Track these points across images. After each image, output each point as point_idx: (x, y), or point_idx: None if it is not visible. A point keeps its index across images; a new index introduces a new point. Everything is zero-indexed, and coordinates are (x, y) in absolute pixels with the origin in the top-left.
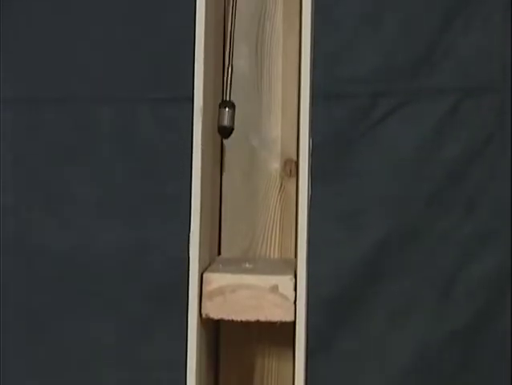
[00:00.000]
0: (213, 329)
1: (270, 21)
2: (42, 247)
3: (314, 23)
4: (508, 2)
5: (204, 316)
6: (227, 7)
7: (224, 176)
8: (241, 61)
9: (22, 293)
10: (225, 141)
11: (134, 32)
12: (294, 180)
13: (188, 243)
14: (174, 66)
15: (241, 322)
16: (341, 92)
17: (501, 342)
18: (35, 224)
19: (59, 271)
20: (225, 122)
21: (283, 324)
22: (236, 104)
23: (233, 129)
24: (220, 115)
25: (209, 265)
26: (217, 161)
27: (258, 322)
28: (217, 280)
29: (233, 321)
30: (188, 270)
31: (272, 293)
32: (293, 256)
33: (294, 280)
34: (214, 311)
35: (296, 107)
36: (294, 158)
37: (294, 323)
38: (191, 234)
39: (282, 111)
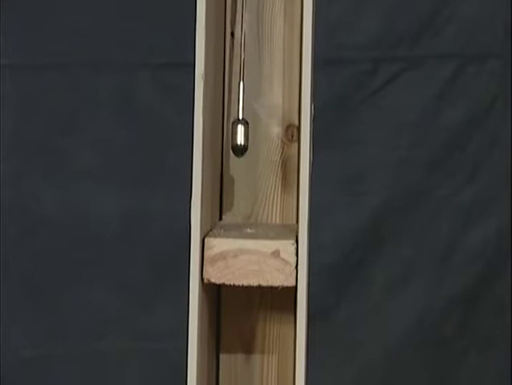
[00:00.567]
0: (215, 294)
1: None
2: (41, 215)
3: None
4: None
5: (205, 281)
6: None
7: (225, 142)
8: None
9: (22, 261)
10: (226, 105)
11: None
12: (295, 145)
13: (190, 209)
14: (175, 31)
15: (243, 287)
16: (342, 58)
17: (501, 307)
18: (35, 192)
19: (59, 239)
20: (239, 140)
21: (285, 289)
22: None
23: (246, 148)
24: (233, 133)
25: (211, 230)
26: (219, 127)
27: (259, 287)
28: (218, 245)
29: (234, 286)
30: (190, 236)
31: (273, 258)
32: (294, 221)
33: (295, 245)
34: (216, 276)
35: (298, 73)
36: (296, 123)
37: (295, 288)
38: (192, 199)
39: (283, 77)
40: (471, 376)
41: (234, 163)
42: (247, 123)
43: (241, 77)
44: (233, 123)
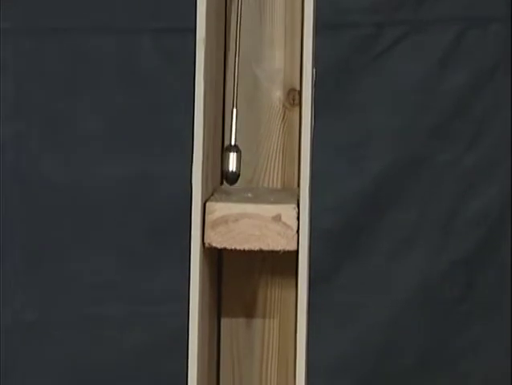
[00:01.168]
0: (216, 259)
1: None
2: (42, 180)
3: None
4: None
5: (207, 245)
6: None
7: (226, 106)
8: None
9: (22, 225)
10: (227, 72)
11: None
12: (297, 109)
13: (191, 173)
14: None
15: (244, 251)
16: (345, 22)
17: (502, 272)
18: (36, 157)
19: (60, 203)
20: (231, 167)
21: (286, 253)
22: (239, 35)
23: (239, 175)
24: (224, 160)
25: (212, 194)
26: (220, 91)
27: (260, 251)
28: (220, 209)
29: (235, 250)
30: (191, 201)
31: (275, 223)
32: (296, 186)
33: (297, 209)
34: (217, 240)
35: (299, 38)
36: (298, 88)
37: (296, 252)
38: (193, 164)
39: (285, 42)
40: (473, 340)
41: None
42: (239, 150)
43: (234, 103)
44: (225, 149)
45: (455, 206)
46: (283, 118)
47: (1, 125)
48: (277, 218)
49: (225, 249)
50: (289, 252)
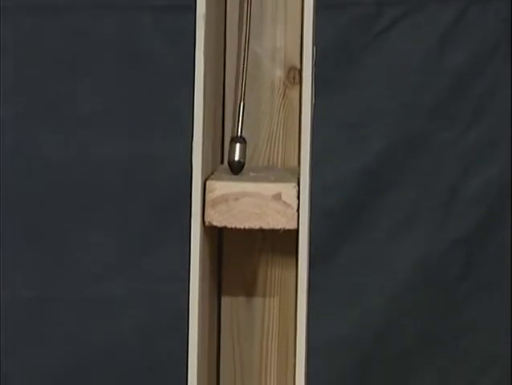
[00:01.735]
0: (216, 237)
1: None
2: (42, 160)
3: None
4: None
5: (207, 224)
6: None
7: (226, 85)
8: None
9: (22, 205)
10: (227, 50)
11: None
12: (297, 87)
13: (191, 152)
14: None
15: (245, 230)
16: (345, 2)
17: (501, 251)
18: (36, 137)
19: (60, 183)
20: (237, 156)
21: (286, 232)
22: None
23: (244, 164)
24: (230, 150)
25: (212, 173)
26: (220, 70)
27: (261, 229)
28: (220, 188)
29: (236, 229)
30: (191, 180)
31: (275, 201)
32: (296, 164)
33: (297, 188)
34: (217, 219)
35: (300, 16)
36: (298, 66)
37: (297, 231)
38: (194, 142)
39: (285, 20)
40: (472, 319)
41: (236, 106)
42: (245, 141)
43: (242, 96)
44: (231, 140)
45: (455, 185)
46: (284, 96)
47: (1, 105)
48: (277, 197)
49: (225, 228)
50: (289, 230)
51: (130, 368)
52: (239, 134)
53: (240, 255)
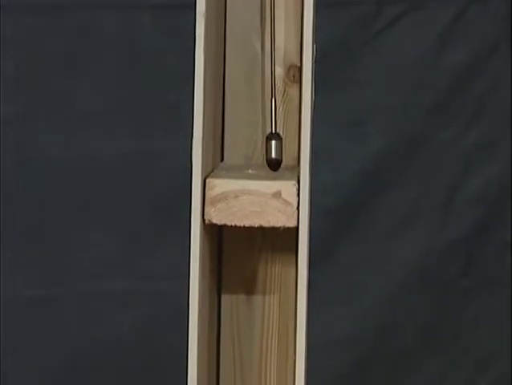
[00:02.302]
0: (216, 235)
1: None
2: (42, 157)
3: None
4: None
5: (207, 222)
6: None
7: (226, 83)
8: None
9: (22, 204)
10: (227, 48)
11: None
12: (297, 86)
13: (191, 150)
14: None
15: (244, 227)
16: (345, 0)
17: (501, 250)
18: (36, 135)
19: (60, 181)
20: (274, 154)
21: (286, 230)
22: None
23: (281, 161)
24: (267, 148)
25: (212, 171)
26: (220, 68)
27: (261, 227)
28: (220, 185)
29: (236, 227)
30: (191, 178)
31: (275, 199)
32: (296, 162)
33: (297, 186)
34: (217, 217)
35: (300, 14)
36: (298, 64)
37: (297, 229)
38: (194, 140)
39: (285, 18)
40: (472, 319)
41: (236, 103)
42: (280, 137)
43: (273, 93)
44: (266, 137)
45: (455, 184)
46: (283, 94)
47: (1, 105)
48: (277, 195)
49: (225, 226)
50: (289, 228)
51: (130, 367)
52: (273, 131)
53: (240, 253)
